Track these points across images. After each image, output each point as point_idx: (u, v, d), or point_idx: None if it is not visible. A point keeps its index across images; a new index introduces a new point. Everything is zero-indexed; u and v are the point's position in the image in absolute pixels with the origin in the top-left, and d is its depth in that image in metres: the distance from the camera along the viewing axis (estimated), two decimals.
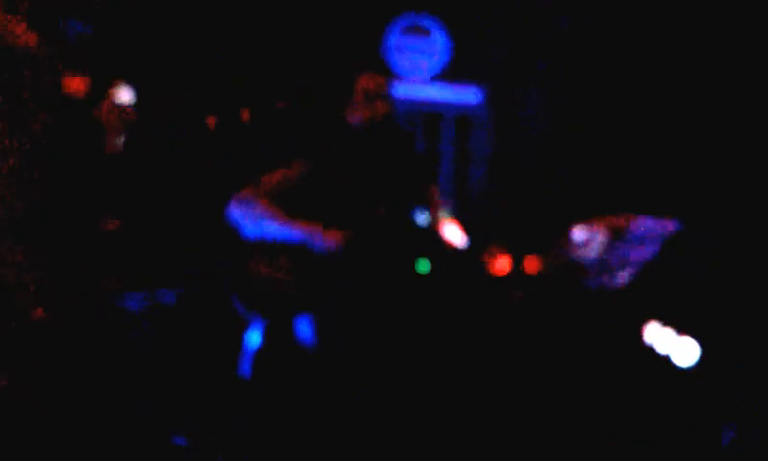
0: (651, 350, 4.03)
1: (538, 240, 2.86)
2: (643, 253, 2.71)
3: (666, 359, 3.94)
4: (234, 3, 4.60)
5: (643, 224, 2.61)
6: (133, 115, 3.81)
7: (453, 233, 3.22)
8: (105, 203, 3.83)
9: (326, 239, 3.01)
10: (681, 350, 3.98)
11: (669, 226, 2.67)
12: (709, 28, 4.94)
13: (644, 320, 4.12)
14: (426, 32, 4.93)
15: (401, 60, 4.92)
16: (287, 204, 3.08)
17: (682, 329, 4.00)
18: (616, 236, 2.61)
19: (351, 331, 3.07)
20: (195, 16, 4.54)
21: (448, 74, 5.06)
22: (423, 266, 3.07)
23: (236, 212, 3.08)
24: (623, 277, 2.76)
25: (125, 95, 3.70)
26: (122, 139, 3.83)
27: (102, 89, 3.84)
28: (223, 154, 4.43)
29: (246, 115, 4.55)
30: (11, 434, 3.48)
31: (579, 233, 2.55)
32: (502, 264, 2.93)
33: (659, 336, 3.95)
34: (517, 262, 2.92)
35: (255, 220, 3.05)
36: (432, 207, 3.26)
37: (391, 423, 3.04)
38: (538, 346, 3.94)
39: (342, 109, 3.22)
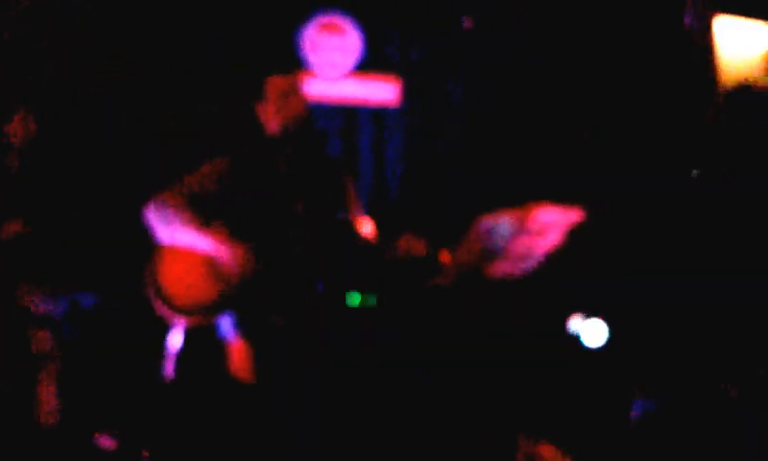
0: (561, 332, 4.16)
1: (453, 231, 2.94)
2: (548, 241, 2.82)
3: (575, 340, 4.08)
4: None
5: (547, 214, 2.72)
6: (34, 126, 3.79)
7: (367, 228, 3.28)
8: (15, 208, 3.79)
9: (230, 254, 3.03)
10: (590, 332, 4.12)
11: (573, 216, 2.79)
12: (611, 24, 5.10)
13: (553, 305, 4.25)
14: (341, 29, 4.96)
15: (316, 58, 4.93)
16: (204, 205, 3.09)
17: (590, 313, 4.15)
18: (521, 226, 2.72)
19: (273, 330, 3.09)
20: (97, 19, 4.48)
21: (364, 70, 5.08)
22: (355, 300, 3.12)
23: (152, 216, 3.07)
24: (528, 264, 2.86)
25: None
26: (25, 152, 3.80)
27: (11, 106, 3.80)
28: (141, 154, 4.40)
29: (164, 115, 4.53)
30: None
31: (485, 224, 2.66)
32: (416, 252, 2.99)
33: (571, 320, 4.09)
34: (433, 252, 2.99)
35: (169, 226, 3.05)
36: (349, 204, 3.31)
37: (314, 416, 3.08)
38: (451, 330, 4.03)
39: (255, 109, 3.24)
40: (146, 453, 3.21)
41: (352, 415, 3.08)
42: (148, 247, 3.13)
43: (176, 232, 3.04)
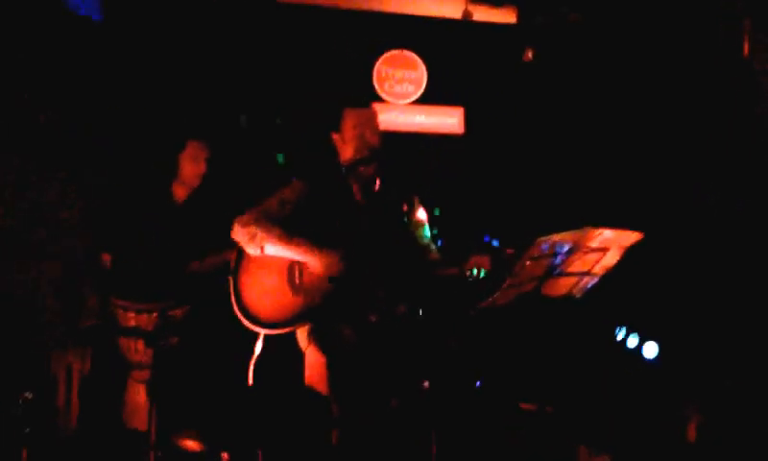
0: (619, 347, 4.14)
1: (513, 250, 2.98)
2: (606, 261, 2.85)
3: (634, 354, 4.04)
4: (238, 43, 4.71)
5: (606, 234, 2.76)
6: None
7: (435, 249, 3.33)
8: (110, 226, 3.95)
9: (321, 261, 3.12)
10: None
11: (631, 236, 2.82)
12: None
13: (611, 320, 4.23)
14: (409, 63, 5.09)
15: (387, 90, 5.07)
16: (285, 223, 3.18)
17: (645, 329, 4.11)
18: (580, 245, 2.76)
19: (348, 339, 3.16)
20: (198, 43, 4.63)
21: (431, 100, 5.19)
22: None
23: (239, 234, 3.18)
24: (586, 283, 2.90)
25: None
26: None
27: None
28: (226, 177, 4.52)
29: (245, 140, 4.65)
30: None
31: (545, 243, 2.70)
32: (479, 269, 3.03)
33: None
34: (496, 270, 3.03)
35: (257, 241, 3.15)
36: (417, 224, 3.38)
37: (381, 424, 3.12)
38: (513, 345, 4.05)
39: (332, 138, 3.34)
40: (226, 456, 3.27)
41: (415, 422, 3.11)
42: (232, 261, 3.23)
43: (265, 244, 3.13)
